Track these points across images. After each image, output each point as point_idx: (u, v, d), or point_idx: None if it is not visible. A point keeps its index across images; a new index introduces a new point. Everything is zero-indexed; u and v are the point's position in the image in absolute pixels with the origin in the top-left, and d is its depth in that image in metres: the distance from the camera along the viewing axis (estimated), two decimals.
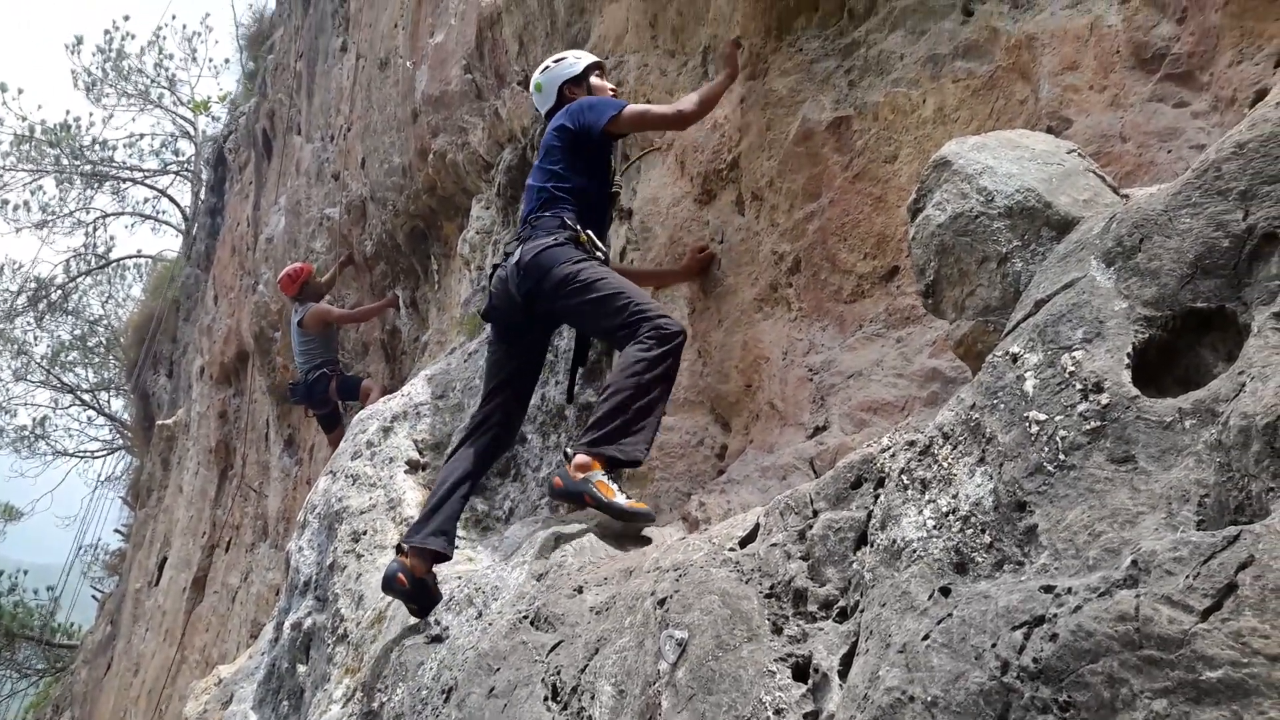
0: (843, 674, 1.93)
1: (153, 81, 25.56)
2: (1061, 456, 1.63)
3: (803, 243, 3.64)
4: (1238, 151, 1.63)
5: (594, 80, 4.29)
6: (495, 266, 4.04)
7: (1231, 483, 1.42)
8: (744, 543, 2.42)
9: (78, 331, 26.78)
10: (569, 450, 3.49)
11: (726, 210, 4.15)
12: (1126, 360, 1.65)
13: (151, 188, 26.36)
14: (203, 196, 20.86)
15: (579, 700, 2.59)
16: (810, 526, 2.19)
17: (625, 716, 2.38)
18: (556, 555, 3.27)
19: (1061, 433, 1.65)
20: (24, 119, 25.39)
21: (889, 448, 2.08)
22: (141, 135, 29.02)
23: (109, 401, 26.93)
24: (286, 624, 5.59)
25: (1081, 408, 1.64)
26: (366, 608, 4.82)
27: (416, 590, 3.69)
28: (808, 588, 2.12)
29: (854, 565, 2.03)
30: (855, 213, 3.43)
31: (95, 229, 26.03)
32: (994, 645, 1.55)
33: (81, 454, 27.02)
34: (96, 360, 26.78)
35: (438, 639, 3.54)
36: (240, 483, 12.72)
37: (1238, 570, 1.30)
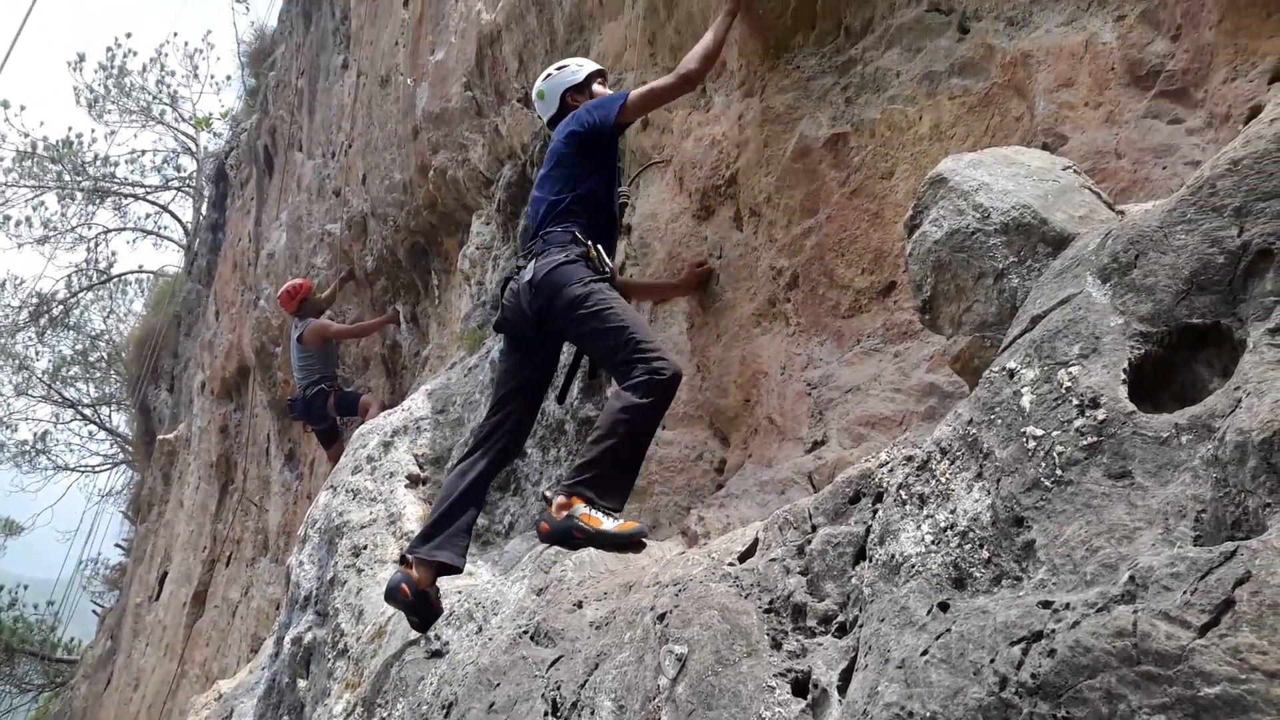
0: (842, 689, 1.93)
1: (154, 98, 25.65)
2: (1059, 472, 1.63)
3: (800, 258, 3.65)
4: (1232, 168, 1.64)
5: (596, 88, 4.29)
6: (507, 279, 4.03)
7: (1228, 498, 1.42)
8: (743, 557, 2.42)
9: (79, 346, 26.81)
10: (548, 494, 3.50)
11: (725, 226, 4.16)
12: (1123, 376, 1.65)
13: (153, 203, 26.44)
14: (204, 212, 20.90)
15: (579, 716, 2.59)
16: (809, 541, 2.20)
17: None
18: (556, 570, 3.27)
19: (1059, 448, 1.65)
20: (26, 135, 25.43)
21: (887, 463, 2.08)
22: (143, 151, 29.11)
23: (110, 416, 26.96)
24: (287, 639, 5.58)
25: (1078, 423, 1.65)
26: (367, 622, 4.82)
27: (419, 602, 3.69)
28: (807, 603, 2.12)
29: (853, 580, 2.03)
30: (852, 228, 3.44)
31: (97, 244, 26.10)
32: (992, 661, 1.55)
33: (82, 468, 27.01)
34: (98, 375, 26.78)
35: (438, 654, 3.54)
36: (241, 497, 12.71)
37: (1235, 586, 1.30)
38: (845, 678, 1.94)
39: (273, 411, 11.60)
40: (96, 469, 27.01)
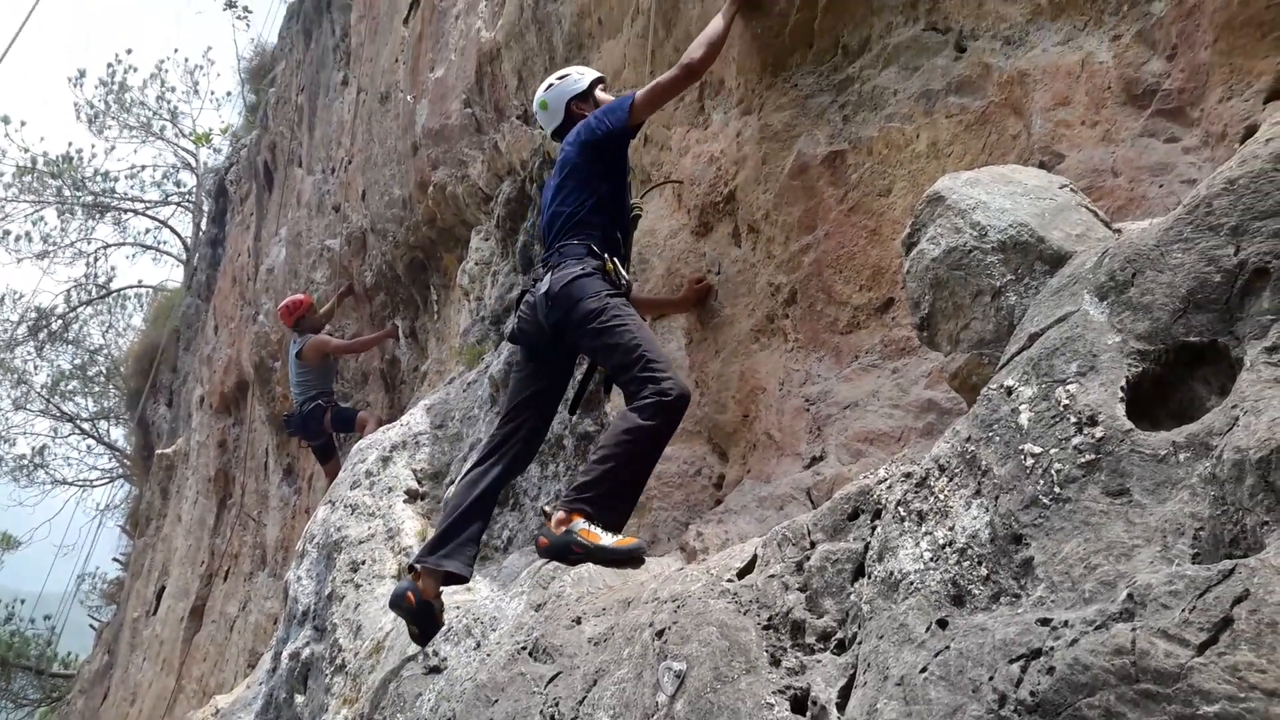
0: (841, 706, 1.93)
1: (154, 114, 25.74)
2: (1057, 489, 1.64)
3: (799, 274, 3.66)
4: (1229, 188, 1.65)
5: (600, 94, 4.26)
6: (524, 291, 4.02)
7: (1226, 516, 1.42)
8: (742, 574, 2.42)
9: (78, 361, 26.80)
10: (547, 509, 3.50)
11: (723, 242, 4.18)
12: (1120, 394, 1.66)
13: (153, 218, 26.49)
14: (204, 227, 20.95)
15: None
16: (808, 558, 2.20)
17: None
18: (555, 585, 3.26)
19: (1056, 466, 1.66)
20: (26, 151, 25.49)
21: (885, 479, 2.08)
22: (143, 167, 29.22)
23: (108, 431, 26.93)
24: (284, 654, 5.57)
25: (1076, 441, 1.65)
26: (365, 638, 4.81)
27: (421, 612, 3.68)
28: (806, 619, 2.12)
29: (852, 597, 2.03)
30: (850, 245, 3.45)
31: (96, 259, 26.13)
32: (991, 678, 1.55)
33: (80, 483, 26.97)
34: (96, 389, 26.77)
35: (436, 670, 3.53)
36: (239, 512, 12.69)
37: (1233, 604, 1.30)
38: (844, 695, 1.94)
39: (271, 426, 11.60)
40: (94, 483, 26.99)
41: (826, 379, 3.48)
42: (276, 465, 11.54)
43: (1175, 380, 1.68)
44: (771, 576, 2.26)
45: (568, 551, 3.30)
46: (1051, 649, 1.48)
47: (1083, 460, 1.62)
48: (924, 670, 1.68)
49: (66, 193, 25.38)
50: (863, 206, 3.43)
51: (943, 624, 1.72)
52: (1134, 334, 1.71)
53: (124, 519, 22.28)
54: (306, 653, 5.28)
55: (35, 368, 26.45)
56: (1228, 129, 2.36)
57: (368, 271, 8.95)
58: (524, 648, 3.06)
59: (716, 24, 3.83)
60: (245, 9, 21.99)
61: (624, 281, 3.81)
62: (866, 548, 2.04)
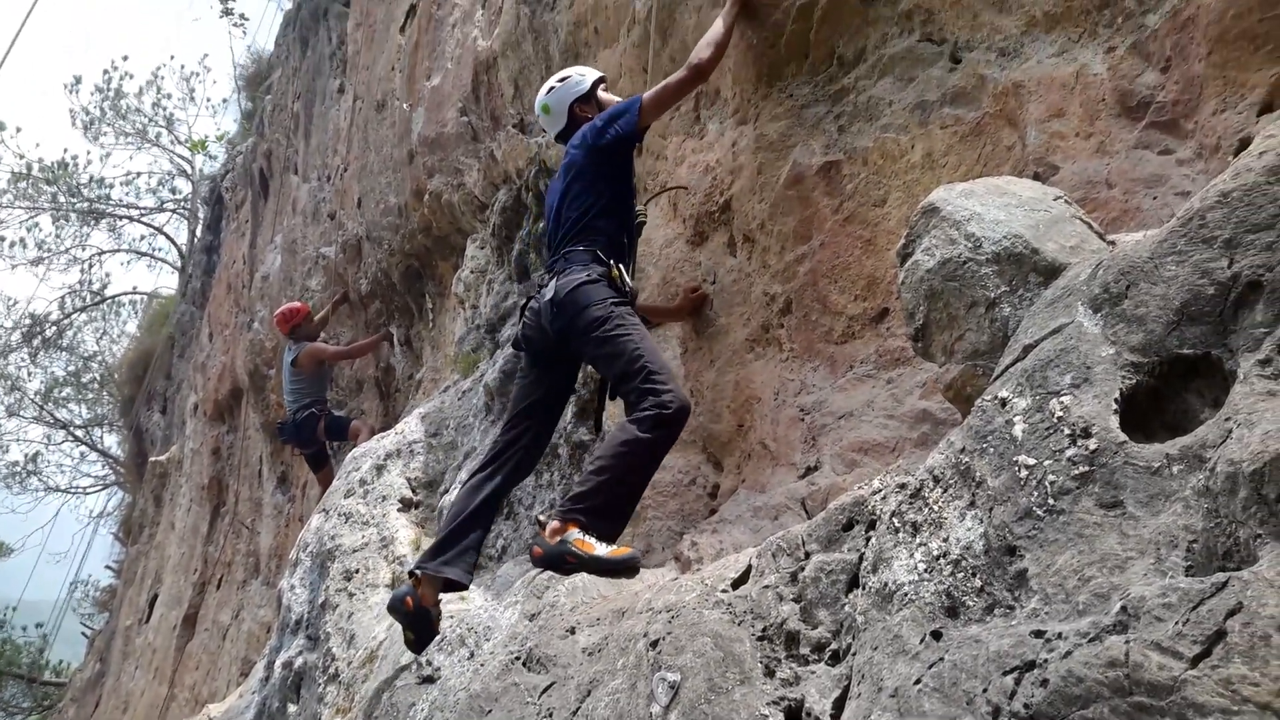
0: (835, 718, 1.92)
1: (150, 120, 25.76)
2: (1051, 501, 1.64)
3: (794, 284, 3.67)
4: (1222, 200, 1.65)
5: (603, 95, 4.24)
6: (529, 298, 4.00)
7: (1219, 529, 1.43)
8: (736, 584, 2.42)
9: (71, 367, 26.76)
10: (541, 518, 3.49)
11: (719, 252, 4.18)
12: (1114, 406, 1.66)
13: (148, 225, 26.48)
14: (199, 234, 20.94)
15: None
16: (802, 568, 2.20)
17: None
18: (549, 595, 3.26)
19: (1050, 477, 1.66)
20: (21, 157, 25.52)
21: (880, 490, 2.08)
22: (138, 174, 29.16)
23: (102, 438, 26.87)
24: (277, 663, 5.56)
25: (1070, 453, 1.65)
26: (358, 647, 4.80)
27: (418, 618, 3.67)
28: (800, 630, 2.12)
29: (846, 608, 2.03)
30: (845, 255, 3.46)
31: (91, 266, 26.13)
32: (985, 690, 1.55)
33: (73, 490, 26.89)
34: (90, 396, 26.72)
35: (429, 679, 3.52)
36: (232, 520, 12.66)
37: (1226, 617, 1.30)
38: (838, 706, 1.93)
39: (265, 434, 11.58)
40: (88, 490, 26.92)
41: (821, 389, 3.48)
42: (270, 473, 11.52)
43: (1169, 392, 1.68)
44: (766, 587, 2.26)
45: (562, 561, 3.30)
46: (1045, 661, 1.48)
47: (1076, 472, 1.62)
48: (918, 682, 1.68)
49: (61, 199, 25.37)
50: (858, 217, 3.44)
51: (937, 635, 1.72)
52: (1128, 346, 1.71)
53: (117, 526, 22.22)
54: (300, 662, 5.27)
55: (29, 374, 26.45)
56: (1221, 141, 2.36)
57: (363, 279, 8.94)
58: (518, 658, 3.05)
59: (718, 27, 3.82)
60: (242, 16, 22.07)
61: (629, 288, 3.79)
62: (861, 559, 2.04)
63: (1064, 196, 2.30)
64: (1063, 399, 1.72)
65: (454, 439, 5.90)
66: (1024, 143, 2.90)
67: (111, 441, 26.28)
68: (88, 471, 27.19)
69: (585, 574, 3.25)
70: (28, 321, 25.50)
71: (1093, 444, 1.63)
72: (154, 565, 16.52)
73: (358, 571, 5.27)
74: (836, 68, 3.62)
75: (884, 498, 2.04)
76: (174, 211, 26.27)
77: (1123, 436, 1.61)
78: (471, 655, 3.37)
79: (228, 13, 21.47)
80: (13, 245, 25.24)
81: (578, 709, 2.63)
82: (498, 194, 6.41)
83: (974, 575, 1.71)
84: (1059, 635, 1.49)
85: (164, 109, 25.90)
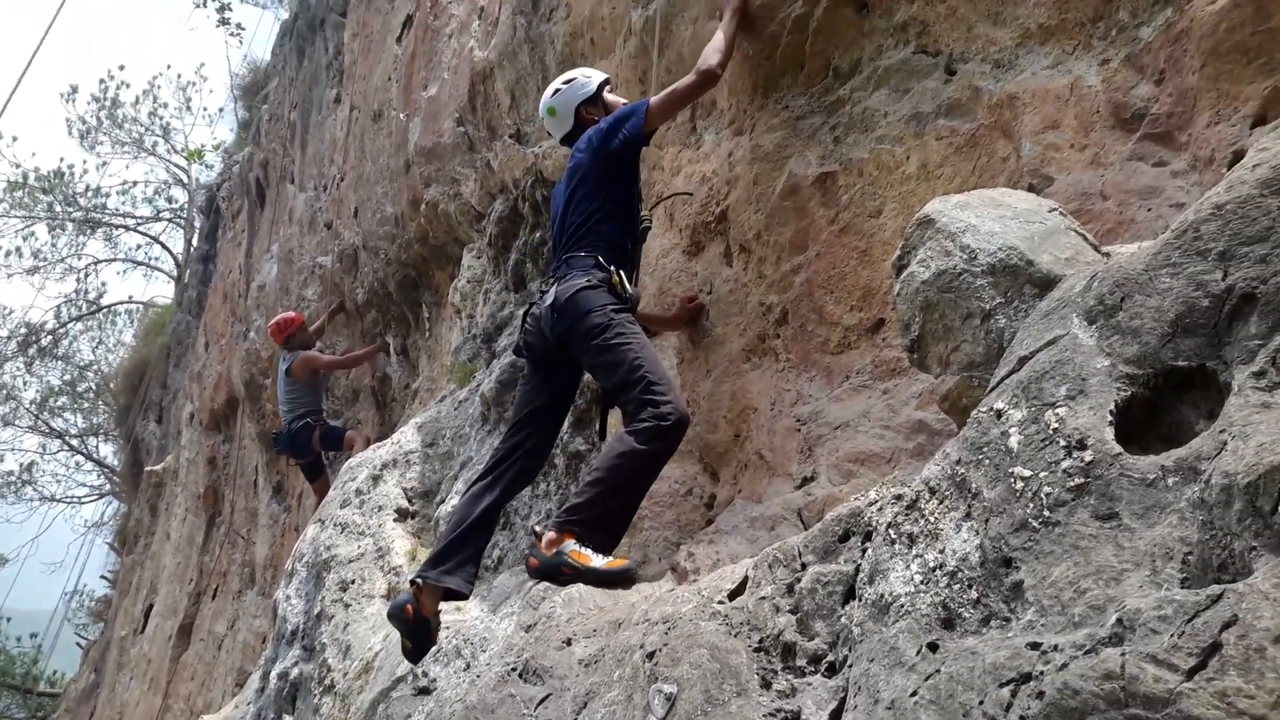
0: None
1: (147, 130, 25.78)
2: (1046, 513, 1.64)
3: (790, 294, 3.67)
4: (1216, 213, 1.66)
5: (608, 97, 4.21)
6: (531, 304, 3.98)
7: (1215, 541, 1.43)
8: (733, 595, 2.42)
9: (67, 377, 26.71)
10: (537, 529, 3.48)
11: (715, 262, 4.19)
12: (1109, 417, 1.67)
13: (144, 234, 26.48)
14: (195, 244, 20.95)
15: None
16: (799, 580, 2.20)
17: None
18: (545, 606, 3.26)
19: (1046, 489, 1.66)
20: (18, 166, 25.51)
21: (876, 501, 2.09)
22: (135, 183, 29.23)
23: (97, 447, 26.82)
24: (273, 673, 5.54)
25: (1065, 464, 1.66)
26: (354, 658, 4.79)
27: (418, 626, 3.65)
28: (796, 642, 2.12)
29: (842, 619, 2.03)
30: (841, 266, 3.47)
31: (87, 275, 26.12)
32: (981, 703, 1.55)
33: (68, 499, 26.84)
34: (86, 406, 26.68)
35: (425, 690, 3.51)
36: (228, 529, 12.64)
37: (1222, 629, 1.31)
38: (835, 718, 1.93)
39: (261, 443, 11.57)
40: (83, 500, 26.86)
41: (817, 399, 3.48)
42: (266, 483, 11.50)
43: (1164, 404, 1.69)
44: (762, 598, 2.26)
45: (558, 573, 3.30)
46: (1041, 673, 1.48)
47: (1072, 484, 1.63)
48: (914, 694, 1.68)
49: (58, 208, 25.38)
50: (853, 227, 3.44)
51: (933, 647, 1.72)
52: (1123, 358, 1.72)
53: (112, 536, 22.17)
54: (295, 673, 5.25)
55: (24, 383, 26.40)
56: (1215, 153, 2.37)
57: (359, 289, 8.94)
58: (514, 669, 3.05)
59: (721, 36, 3.79)
60: (238, 26, 22.07)
61: (629, 295, 3.77)
62: (857, 570, 2.04)
63: (1059, 208, 2.31)
64: (1058, 411, 1.73)
65: (450, 449, 5.90)
66: (1019, 154, 2.91)
67: (107, 451, 26.27)
68: (83, 481, 27.17)
69: (582, 585, 3.24)
70: (23, 330, 25.48)
71: (1088, 456, 1.63)
72: (149, 575, 16.48)
73: (354, 582, 5.26)
74: (832, 79, 3.63)
75: (880, 509, 2.05)
76: (170, 221, 26.30)
77: (1118, 448, 1.62)
78: (468, 666, 3.37)
79: (224, 22, 21.52)
80: (8, 254, 25.26)
81: None
82: (494, 204, 6.42)
83: (970, 587, 1.71)
84: (1055, 647, 1.49)
85: (160, 118, 25.96)
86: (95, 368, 26.58)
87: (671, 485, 4.11)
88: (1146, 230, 2.46)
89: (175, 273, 24.33)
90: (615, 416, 4.56)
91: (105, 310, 26.70)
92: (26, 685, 24.85)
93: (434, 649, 3.65)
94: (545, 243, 5.81)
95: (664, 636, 2.44)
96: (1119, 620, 1.42)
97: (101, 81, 25.71)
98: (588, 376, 4.18)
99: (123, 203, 26.51)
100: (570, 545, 3.31)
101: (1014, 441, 1.77)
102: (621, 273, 3.78)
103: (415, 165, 7.40)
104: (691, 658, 2.29)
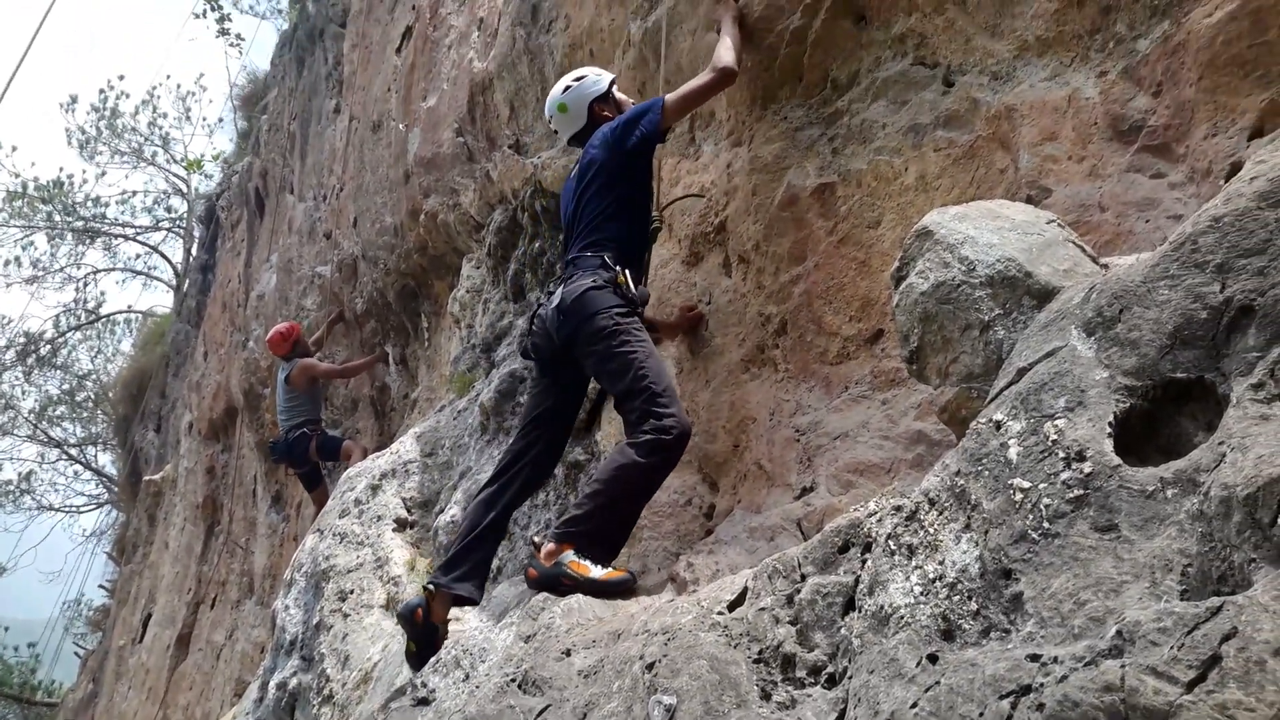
0: None
1: (146, 139, 25.83)
2: (1046, 524, 1.64)
3: (789, 305, 3.68)
4: (1214, 225, 1.67)
5: (618, 95, 4.19)
6: (538, 304, 3.96)
7: (1214, 553, 1.43)
8: (732, 606, 2.42)
9: (66, 386, 26.73)
10: (536, 540, 3.48)
11: (714, 272, 4.19)
12: (1108, 429, 1.67)
13: (143, 244, 26.51)
14: (194, 253, 20.96)
15: None
16: (798, 591, 2.20)
17: None
18: (544, 617, 3.25)
19: (1045, 500, 1.66)
20: (17, 175, 25.60)
21: (876, 512, 2.09)
22: (134, 192, 29.17)
23: (96, 456, 26.81)
24: (272, 683, 5.53)
25: (1065, 476, 1.66)
26: (353, 668, 4.78)
27: (425, 632, 3.65)
28: (796, 653, 2.12)
29: (842, 631, 2.03)
30: (840, 276, 3.47)
31: (86, 284, 26.15)
32: (981, 715, 1.55)
33: (67, 509, 26.81)
34: (84, 415, 26.67)
35: (424, 701, 3.51)
36: (227, 539, 12.62)
37: (1221, 642, 1.31)
38: None
39: (260, 453, 11.57)
40: (81, 509, 26.85)
41: (817, 409, 3.49)
42: (265, 492, 11.49)
43: (1163, 416, 1.69)
44: (762, 609, 2.26)
45: (557, 583, 3.29)
46: (1041, 685, 1.48)
47: (1071, 495, 1.63)
48: (914, 706, 1.68)
49: (57, 218, 25.41)
50: (852, 238, 3.45)
51: (933, 659, 1.72)
52: (1121, 370, 1.72)
53: (111, 545, 22.13)
54: (294, 683, 5.25)
55: (23, 393, 26.41)
56: (1213, 165, 2.38)
57: (359, 298, 8.95)
58: (513, 680, 3.04)
59: (728, 40, 3.75)
60: (238, 36, 22.12)
61: (636, 295, 3.74)
62: (857, 581, 2.04)
63: (1057, 220, 2.32)
64: (1057, 422, 1.73)
65: (449, 459, 5.89)
66: (1016, 166, 2.92)
67: (105, 460, 26.25)
68: (81, 490, 27.15)
69: (581, 595, 3.24)
70: (22, 340, 25.51)
71: (1087, 467, 1.64)
72: (148, 585, 16.45)
73: (352, 592, 5.26)
74: (830, 91, 3.64)
75: (880, 520, 2.05)
76: (169, 230, 26.34)
77: (1117, 460, 1.62)
78: (467, 677, 3.36)
79: (224, 33, 21.56)
80: (8, 264, 25.36)
81: None
82: (493, 214, 6.43)
83: (970, 598, 1.71)
84: (1055, 659, 1.49)
85: (160, 128, 26.02)
86: (94, 377, 26.60)
87: (671, 495, 4.10)
88: (1144, 242, 2.46)
89: (174, 282, 24.35)
90: (611, 431, 4.57)
91: (104, 319, 26.74)
92: (24, 695, 24.78)
93: (433, 659, 3.64)
94: (544, 253, 5.82)
95: (663, 647, 2.44)
96: (1119, 632, 1.43)
97: (101, 91, 25.84)
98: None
99: (122, 212, 26.56)
100: (569, 556, 3.31)
101: (1013, 453, 1.77)
102: (627, 272, 3.74)
103: (414, 175, 7.41)
104: (691, 669, 2.29)
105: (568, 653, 2.95)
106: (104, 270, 26.55)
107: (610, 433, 4.61)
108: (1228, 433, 1.51)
